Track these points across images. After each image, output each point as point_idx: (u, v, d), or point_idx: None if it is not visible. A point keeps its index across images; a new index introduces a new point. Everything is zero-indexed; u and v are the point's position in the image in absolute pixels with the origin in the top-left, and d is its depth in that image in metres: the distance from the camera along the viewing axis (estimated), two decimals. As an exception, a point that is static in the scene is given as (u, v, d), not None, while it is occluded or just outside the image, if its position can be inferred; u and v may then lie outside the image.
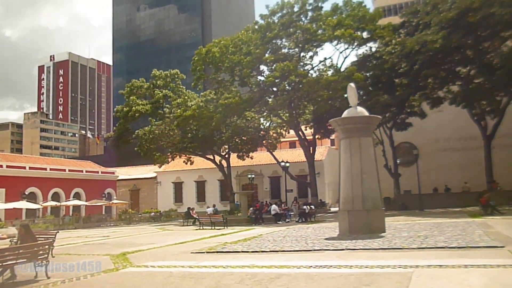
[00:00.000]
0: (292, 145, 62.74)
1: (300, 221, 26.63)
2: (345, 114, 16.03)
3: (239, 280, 8.00)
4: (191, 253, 12.89)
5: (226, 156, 44.88)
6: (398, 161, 38.85)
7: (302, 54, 36.59)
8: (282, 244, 13.24)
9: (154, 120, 43.78)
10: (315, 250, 11.54)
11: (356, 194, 15.07)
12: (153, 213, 43.81)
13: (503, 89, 31.86)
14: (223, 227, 24.24)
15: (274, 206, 28.31)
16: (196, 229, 25.20)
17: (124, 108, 43.18)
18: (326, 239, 14.17)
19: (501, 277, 7.14)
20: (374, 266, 8.49)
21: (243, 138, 42.70)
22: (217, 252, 12.71)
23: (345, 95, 33.78)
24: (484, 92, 31.35)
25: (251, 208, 28.41)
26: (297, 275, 8.16)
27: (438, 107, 34.84)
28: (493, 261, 8.15)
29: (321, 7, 34.61)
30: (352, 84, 16.71)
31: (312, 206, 28.34)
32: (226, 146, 45.00)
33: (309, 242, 13.36)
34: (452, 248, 10.28)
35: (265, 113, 40.86)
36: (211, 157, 44.95)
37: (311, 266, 8.94)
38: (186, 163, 45.56)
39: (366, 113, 16.09)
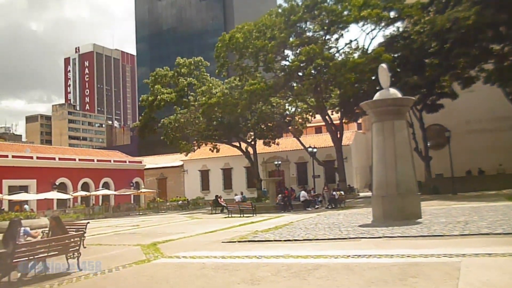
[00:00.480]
0: (318, 130, 62.01)
1: (330, 207, 26.20)
2: (377, 96, 15.42)
3: (275, 271, 7.67)
4: (222, 242, 12.65)
5: (252, 143, 44.61)
6: (428, 144, 37.84)
7: (327, 37, 35.69)
8: (315, 232, 12.86)
9: (179, 109, 43.74)
10: (350, 238, 11.12)
11: (390, 179, 14.52)
12: (180, 202, 44.02)
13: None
14: (252, 215, 24.02)
15: (303, 192, 27.94)
16: (225, 217, 25.08)
17: (149, 97, 43.28)
18: (360, 226, 13.72)
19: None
20: (417, 256, 8.02)
21: (269, 124, 42.32)
22: (249, 241, 12.43)
23: (373, 78, 33.23)
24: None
25: (279, 195, 28.10)
26: (335, 266, 7.77)
27: (469, 87, 33.60)
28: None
29: (347, -13, 33.51)
30: (384, 65, 16.03)
31: (342, 192, 27.83)
32: (252, 133, 44.71)
33: (343, 230, 12.94)
34: (497, 235, 9.70)
35: (290, 99, 40.24)
36: (237, 144, 44.79)
37: (349, 256, 8.53)
38: (212, 151, 45.47)
39: (399, 95, 15.44)
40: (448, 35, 29.38)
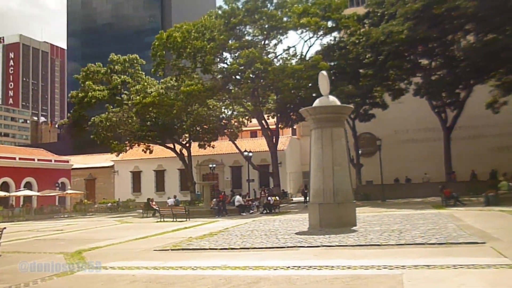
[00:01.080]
0: (253, 134, 62.20)
1: (264, 212, 26.05)
2: (316, 103, 15.41)
3: (213, 286, 7.18)
4: (155, 250, 11.95)
5: (187, 145, 43.68)
6: (360, 152, 38.99)
7: (266, 42, 35.81)
8: (252, 240, 12.51)
9: (112, 107, 41.88)
10: (288, 247, 10.88)
11: (327, 187, 14.53)
12: (110, 204, 42.13)
13: (464, 82, 32.39)
14: (185, 219, 23.28)
15: (238, 197, 27.59)
16: (157, 221, 24.14)
17: (80, 94, 41.05)
18: (297, 233, 13.55)
19: (497, 279, 6.68)
20: (357, 267, 7.88)
21: (205, 126, 41.58)
22: (183, 249, 11.83)
23: (310, 85, 33.70)
24: (446, 84, 31.70)
25: (214, 199, 27.56)
26: (276, 278, 7.42)
27: (399, 99, 35.04)
28: (481, 260, 7.73)
29: (288, -7, 33.80)
30: (324, 72, 16.10)
31: (277, 197, 27.81)
32: (187, 135, 43.79)
33: (280, 238, 12.69)
34: (432, 245, 9.86)
35: (227, 102, 39.88)
36: (171, 145, 43.63)
37: (289, 267, 8.23)
38: (145, 152, 43.98)
39: (338, 103, 15.53)
40: (383, 47, 30.41)
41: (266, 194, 29.12)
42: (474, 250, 9.01)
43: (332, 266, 8.09)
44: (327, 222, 14.23)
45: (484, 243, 9.70)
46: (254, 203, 28.17)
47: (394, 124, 43.32)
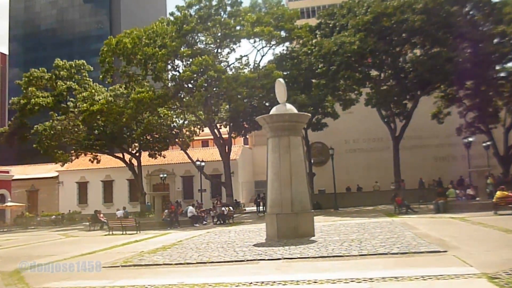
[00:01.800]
0: (204, 143, 61.45)
1: (218, 223, 25.45)
2: (273, 111, 15.12)
3: (171, 307, 6.60)
4: (103, 267, 11.11)
5: (137, 154, 42.34)
6: (311, 161, 39.21)
7: (219, 50, 35.41)
8: (209, 254, 11.94)
9: (56, 115, 39.91)
10: (248, 260, 10.40)
11: (285, 197, 14.21)
12: (54, 216, 39.99)
13: (411, 93, 33.37)
14: (135, 232, 22.29)
15: (191, 208, 26.85)
16: (105, 235, 22.98)
17: (21, 100, 38.81)
18: (255, 245, 13.11)
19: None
20: (324, 281, 7.55)
21: (155, 135, 40.45)
22: (134, 265, 11.07)
23: (262, 94, 33.58)
24: (395, 95, 32.51)
25: (166, 211, 26.64)
26: (239, 296, 6.94)
27: (349, 109, 35.60)
28: (448, 270, 7.61)
29: (241, 2, 33.71)
30: (281, 80, 15.90)
31: (231, 207, 27.29)
32: (137, 144, 42.45)
33: (237, 250, 12.20)
34: (394, 254, 9.71)
35: (178, 110, 39.01)
36: (120, 155, 42.10)
37: (252, 283, 7.77)
38: (92, 162, 42.19)
39: (295, 111, 15.36)
40: (335, 57, 30.73)
41: (220, 204, 28.48)
42: (437, 259, 8.94)
43: (297, 281, 7.70)
44: (285, 232, 13.90)
45: (445, 251, 9.67)
46: (210, 213, 27.45)
47: (343, 134, 43.99)
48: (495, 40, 30.08)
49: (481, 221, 16.32)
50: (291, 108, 15.12)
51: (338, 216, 24.49)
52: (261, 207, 37.08)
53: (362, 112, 39.58)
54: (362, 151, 46.16)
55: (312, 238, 13.64)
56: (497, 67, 32.60)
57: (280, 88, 15.37)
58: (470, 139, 32.87)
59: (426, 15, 29.18)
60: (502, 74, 33.14)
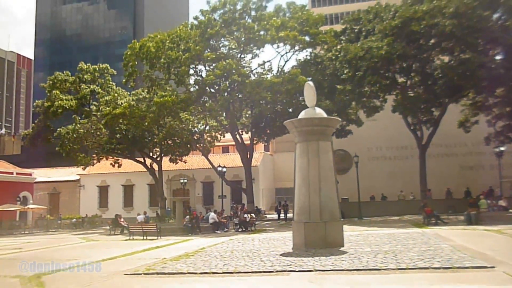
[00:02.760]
0: (225, 149, 61.20)
1: (240, 230, 24.88)
2: (302, 115, 14.55)
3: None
4: (125, 274, 10.65)
5: (158, 159, 42.16)
6: (335, 169, 38.34)
7: (242, 55, 35.00)
8: (234, 263, 11.36)
9: (79, 118, 39.98)
10: (277, 271, 9.79)
11: (314, 204, 13.60)
12: (74, 219, 39.97)
13: (440, 100, 32.39)
14: (156, 237, 21.86)
15: (212, 214, 26.31)
16: (126, 239, 22.63)
17: (45, 103, 39.04)
18: (282, 255, 12.49)
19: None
20: (365, 297, 6.92)
21: (177, 140, 40.19)
22: (158, 273, 10.56)
23: (286, 100, 33.04)
24: (423, 102, 31.57)
25: (187, 216, 26.20)
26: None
27: (372, 116, 34.75)
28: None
29: (266, 7, 33.24)
30: (311, 83, 15.35)
31: (253, 214, 26.70)
32: (158, 149, 42.28)
33: (264, 260, 11.60)
34: (437, 269, 8.99)
35: (201, 115, 38.68)
36: (141, 159, 41.97)
37: (286, 297, 7.19)
38: (113, 166, 42.16)
39: (325, 115, 14.76)
40: (361, 63, 30.00)
41: (244, 210, 27.85)
42: (487, 276, 8.21)
43: (335, 296, 7.10)
44: (313, 242, 13.28)
45: (493, 267, 8.91)
46: (233, 220, 26.88)
47: (366, 141, 43.14)
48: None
49: (520, 235, 15.42)
50: (320, 112, 14.54)
51: (364, 226, 23.66)
52: (282, 215, 36.51)
53: (385, 120, 38.80)
54: (385, 159, 45.25)
55: (342, 249, 12.97)
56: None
57: (310, 91, 14.81)
58: (502, 148, 31.64)
59: (457, 20, 28.25)
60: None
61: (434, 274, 8.63)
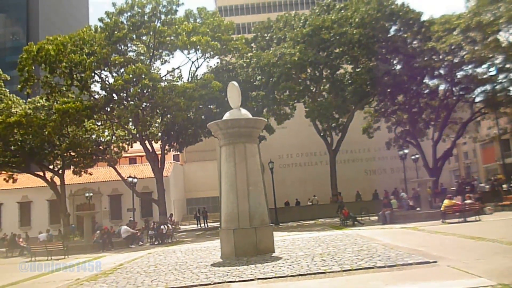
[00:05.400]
0: (132, 160, 58.78)
1: (156, 243, 23.43)
2: (227, 116, 13.85)
3: None
4: (35, 300, 9.12)
5: (60, 172, 38.80)
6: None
7: (151, 61, 33.48)
8: (163, 278, 10.26)
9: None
10: (215, 283, 8.92)
11: (243, 210, 12.91)
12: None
13: (348, 106, 33.59)
14: (63, 257, 19.72)
15: (124, 227, 24.51)
16: (27, 261, 20.13)
17: None
18: (212, 265, 11.61)
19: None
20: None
21: (81, 151, 37.22)
22: (75, 296, 9.18)
23: (200, 106, 32.13)
24: (334, 108, 32.47)
25: (97, 232, 24.13)
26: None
27: (283, 123, 34.99)
28: (461, 283, 6.77)
29: (176, 11, 32.23)
30: (235, 83, 14.69)
31: (169, 225, 25.34)
32: (59, 161, 38.89)
33: (196, 272, 10.64)
34: (382, 268, 8.74)
35: (108, 123, 36.28)
36: (41, 173, 38.31)
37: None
38: (7, 181, 38.01)
39: (251, 116, 14.20)
40: (274, 69, 30.15)
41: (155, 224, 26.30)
42: (435, 271, 8.09)
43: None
44: (244, 249, 12.56)
45: (435, 262, 8.86)
46: (149, 232, 25.24)
47: (277, 149, 43.44)
48: (426, 57, 31.05)
49: (436, 230, 16.06)
50: (246, 113, 13.97)
51: (284, 231, 23.45)
52: (200, 223, 35.71)
53: (295, 127, 39.59)
54: (296, 165, 46.06)
55: (274, 255, 12.43)
56: (426, 81, 33.85)
57: (234, 91, 14.19)
58: (406, 151, 33.60)
59: (363, 29, 29.59)
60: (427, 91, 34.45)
61: (382, 273, 8.35)
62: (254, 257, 12.05)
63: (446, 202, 19.67)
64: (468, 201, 20.04)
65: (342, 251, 11.86)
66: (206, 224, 40.55)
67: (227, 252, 13.00)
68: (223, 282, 8.87)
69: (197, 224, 36.76)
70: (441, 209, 19.63)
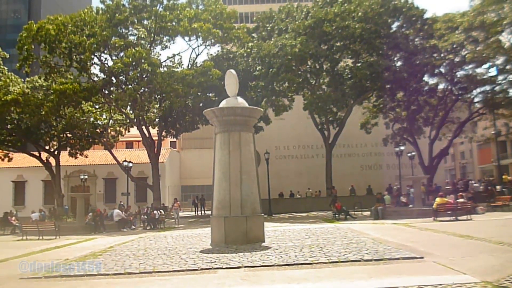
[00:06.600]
0: (129, 145, 58.57)
1: (148, 228, 23.49)
2: (223, 104, 13.83)
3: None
4: (21, 279, 9.13)
5: (56, 153, 38.73)
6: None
7: (151, 46, 33.29)
8: (151, 261, 10.30)
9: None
10: (202, 269, 8.95)
11: (235, 198, 12.93)
12: None
13: (347, 100, 33.50)
14: (54, 237, 19.75)
15: (117, 211, 24.56)
16: (18, 240, 20.19)
17: None
18: (201, 252, 11.65)
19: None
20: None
21: (77, 133, 37.14)
22: (62, 276, 9.16)
23: (199, 93, 32.05)
24: (333, 101, 32.39)
25: (90, 214, 24.16)
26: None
27: (281, 115, 34.89)
28: (445, 279, 6.79)
29: (178, -5, 31.93)
30: (233, 71, 14.64)
31: (162, 211, 25.39)
32: (56, 142, 38.82)
33: (184, 257, 10.68)
34: (368, 261, 8.78)
35: (105, 106, 36.16)
36: (36, 153, 38.24)
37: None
38: (3, 160, 37.94)
39: (247, 104, 14.17)
40: (275, 60, 30.01)
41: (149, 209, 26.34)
42: (421, 267, 8.13)
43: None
44: (234, 237, 12.60)
45: (422, 257, 8.91)
46: (141, 217, 25.31)
47: (274, 140, 43.41)
48: (427, 55, 30.95)
49: (427, 227, 16.11)
50: (242, 102, 13.94)
51: (277, 222, 23.60)
52: (199, 209, 35.89)
53: (293, 119, 39.49)
54: (292, 157, 45.99)
55: (264, 244, 12.48)
56: (425, 79, 33.77)
57: (231, 79, 14.13)
58: (402, 148, 33.61)
59: (365, 23, 29.44)
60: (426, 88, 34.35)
61: (368, 266, 8.39)
62: (244, 245, 12.09)
63: (438, 200, 19.74)
64: (460, 200, 20.11)
65: (331, 243, 11.91)
66: (204, 211, 40.61)
67: (217, 239, 13.04)
68: (210, 269, 8.91)
69: (195, 211, 36.90)
70: (433, 207, 19.68)
